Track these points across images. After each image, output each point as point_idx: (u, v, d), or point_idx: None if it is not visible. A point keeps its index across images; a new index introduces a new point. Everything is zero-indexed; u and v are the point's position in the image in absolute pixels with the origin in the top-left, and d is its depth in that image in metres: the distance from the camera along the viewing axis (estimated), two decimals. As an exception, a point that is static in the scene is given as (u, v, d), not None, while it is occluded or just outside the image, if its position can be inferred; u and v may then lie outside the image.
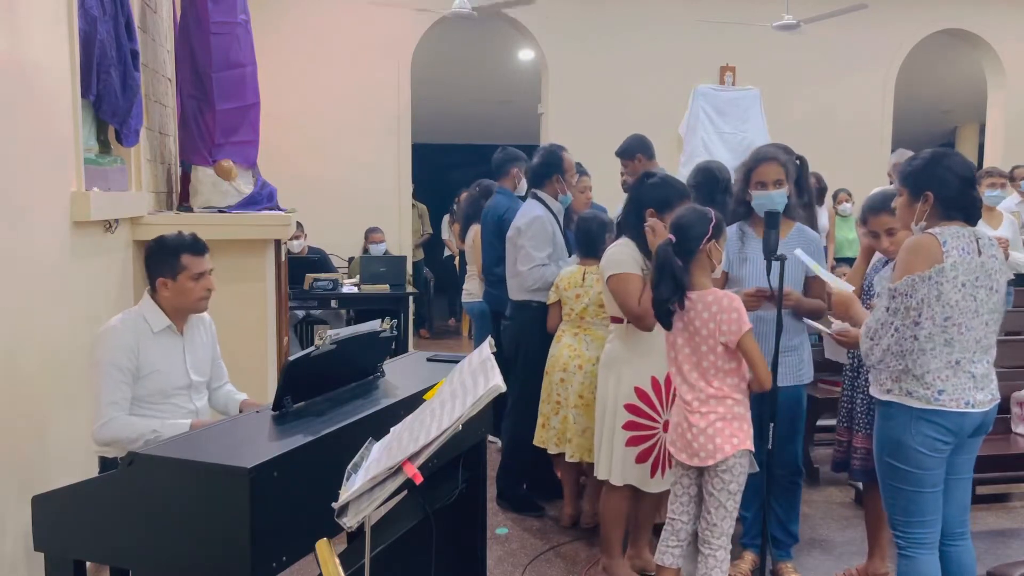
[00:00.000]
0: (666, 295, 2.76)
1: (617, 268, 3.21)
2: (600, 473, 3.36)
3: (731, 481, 2.78)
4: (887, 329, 2.56)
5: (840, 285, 2.94)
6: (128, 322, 2.78)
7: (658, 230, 3.06)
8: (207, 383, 3.01)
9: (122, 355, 2.71)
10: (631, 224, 3.27)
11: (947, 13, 9.11)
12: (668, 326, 2.83)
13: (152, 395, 2.78)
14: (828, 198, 7.48)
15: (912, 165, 2.67)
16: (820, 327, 3.18)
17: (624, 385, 3.24)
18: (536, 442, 3.96)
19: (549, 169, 4.14)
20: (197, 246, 2.84)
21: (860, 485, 3.91)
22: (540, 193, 4.15)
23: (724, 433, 2.76)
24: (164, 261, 2.80)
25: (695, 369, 2.80)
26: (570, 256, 4.16)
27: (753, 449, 2.81)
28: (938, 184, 2.58)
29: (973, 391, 2.58)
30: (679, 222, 2.83)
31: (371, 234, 7.74)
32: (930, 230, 2.56)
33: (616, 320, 3.33)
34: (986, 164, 7.95)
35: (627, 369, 3.25)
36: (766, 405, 3.10)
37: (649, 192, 3.23)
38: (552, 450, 3.91)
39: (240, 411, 2.95)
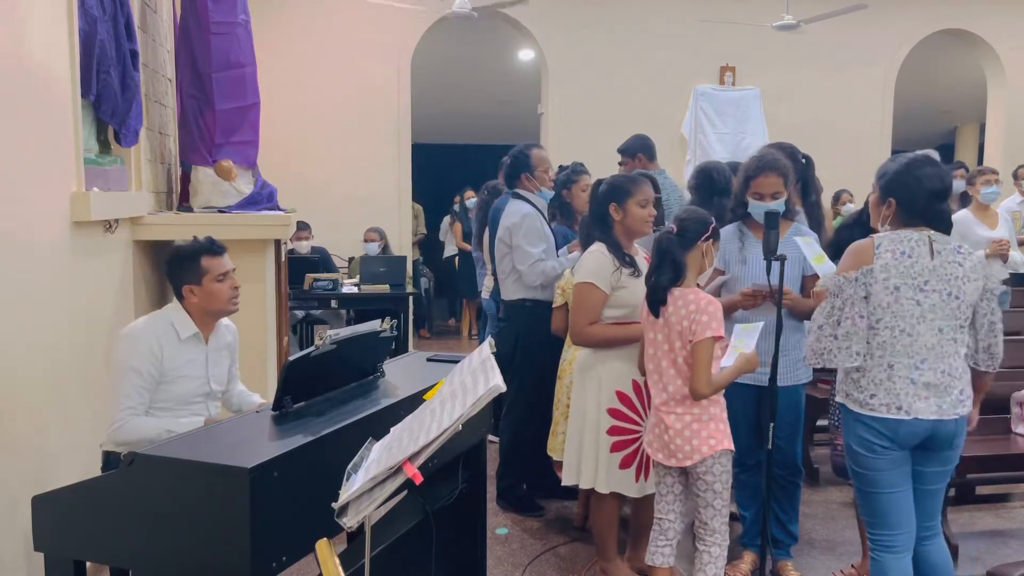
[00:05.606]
0: (665, 282, 2.80)
1: (586, 277, 3.19)
2: (584, 482, 3.27)
3: (714, 481, 2.78)
4: (813, 325, 2.60)
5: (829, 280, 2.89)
6: (153, 326, 2.76)
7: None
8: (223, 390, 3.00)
9: (143, 360, 2.68)
10: (600, 228, 3.26)
11: (947, 13, 9.11)
12: (656, 313, 2.84)
13: (171, 401, 2.76)
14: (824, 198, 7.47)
15: (887, 167, 2.64)
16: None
17: (605, 389, 3.19)
18: (549, 451, 3.93)
19: (516, 170, 4.23)
20: (215, 248, 2.81)
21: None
22: (521, 192, 4.20)
23: (701, 435, 2.76)
24: (185, 268, 2.78)
25: (672, 366, 2.81)
26: (558, 252, 4.15)
27: (732, 448, 2.82)
28: (903, 192, 2.55)
29: (911, 398, 2.50)
30: (682, 216, 2.89)
31: (366, 233, 7.73)
32: (874, 234, 2.57)
33: None
34: (985, 164, 7.94)
35: (606, 373, 3.20)
36: (766, 405, 3.10)
37: (603, 191, 3.27)
38: (559, 457, 3.83)
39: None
